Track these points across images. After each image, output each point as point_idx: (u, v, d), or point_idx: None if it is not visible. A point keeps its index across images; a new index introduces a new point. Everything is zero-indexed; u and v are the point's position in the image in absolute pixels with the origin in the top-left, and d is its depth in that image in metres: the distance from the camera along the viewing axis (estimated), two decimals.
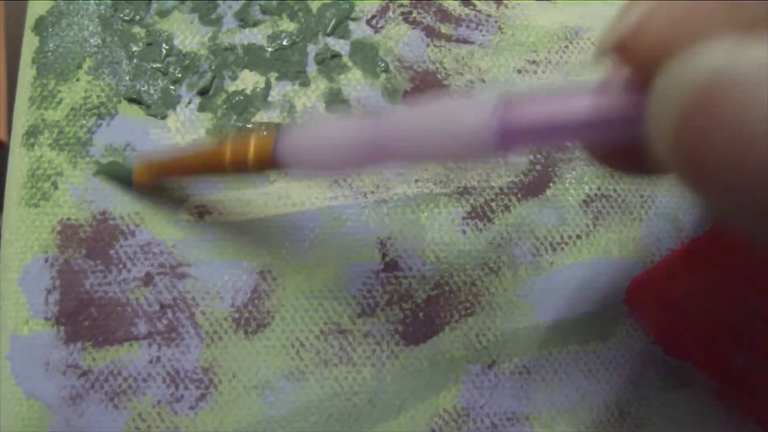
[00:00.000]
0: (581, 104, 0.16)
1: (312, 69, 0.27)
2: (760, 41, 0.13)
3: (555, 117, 0.16)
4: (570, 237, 0.27)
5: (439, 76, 0.28)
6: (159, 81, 0.26)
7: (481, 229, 0.26)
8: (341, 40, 0.27)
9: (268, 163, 0.21)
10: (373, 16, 0.28)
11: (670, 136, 0.14)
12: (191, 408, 0.24)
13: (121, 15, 0.27)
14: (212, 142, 0.24)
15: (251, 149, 0.21)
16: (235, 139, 0.22)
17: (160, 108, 0.26)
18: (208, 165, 0.23)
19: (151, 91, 0.26)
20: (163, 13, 0.27)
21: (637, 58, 0.15)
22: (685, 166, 0.14)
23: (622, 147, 0.17)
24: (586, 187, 0.27)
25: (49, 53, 0.26)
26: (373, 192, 0.26)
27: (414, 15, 0.28)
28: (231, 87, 0.27)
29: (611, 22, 0.16)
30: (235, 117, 0.26)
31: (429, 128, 0.17)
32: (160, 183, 0.25)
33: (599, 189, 0.27)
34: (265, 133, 0.22)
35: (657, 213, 0.27)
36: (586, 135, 0.16)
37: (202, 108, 0.26)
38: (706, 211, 0.27)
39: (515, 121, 0.16)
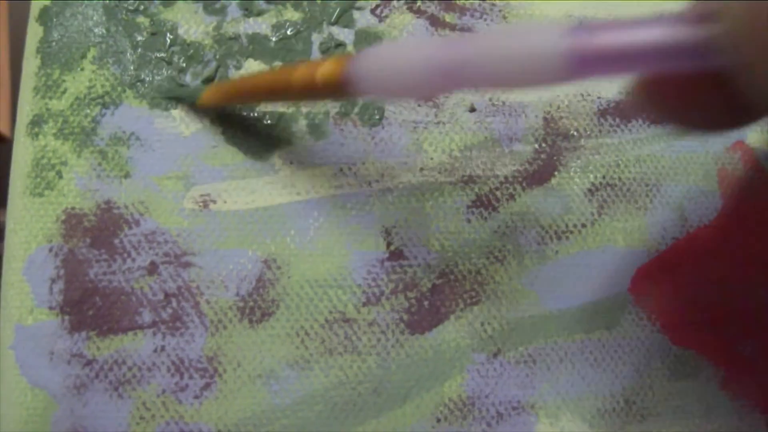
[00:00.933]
0: (657, 31, 0.15)
1: (316, 58, 0.27)
2: None
3: (629, 42, 0.15)
4: (575, 226, 0.26)
5: None
6: (163, 70, 0.26)
7: (486, 218, 0.26)
8: (345, 30, 0.27)
9: (338, 85, 0.20)
10: (378, 6, 0.27)
11: (755, 35, 0.13)
12: (196, 397, 0.24)
13: (125, 5, 0.26)
14: (280, 68, 0.23)
15: (321, 69, 0.21)
16: (306, 65, 0.21)
17: (164, 97, 0.26)
18: (277, 85, 0.22)
19: (156, 81, 0.26)
20: (167, 3, 0.27)
21: None
22: None
23: (699, 86, 0.16)
24: (591, 176, 0.27)
25: (54, 43, 0.26)
26: (378, 181, 0.26)
27: (418, 4, 0.27)
28: (235, 76, 0.26)
29: None
30: (239, 106, 0.26)
31: (503, 51, 0.17)
32: (227, 106, 0.25)
33: (604, 178, 0.27)
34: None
35: (662, 202, 0.27)
36: (661, 62, 0.15)
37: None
38: None
39: (587, 46, 0.16)
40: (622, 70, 0.16)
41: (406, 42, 0.19)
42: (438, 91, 0.19)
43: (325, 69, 0.20)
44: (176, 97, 0.26)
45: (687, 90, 0.17)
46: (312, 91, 0.21)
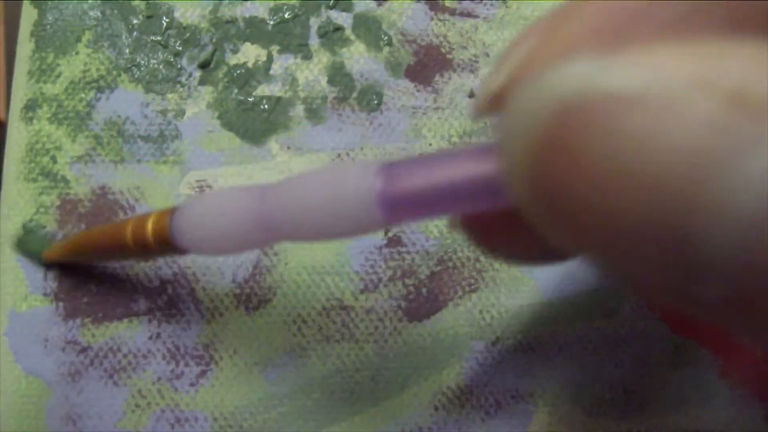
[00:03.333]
0: (462, 168, 0.13)
1: (314, 42, 0.25)
2: (632, 55, 0.10)
3: (437, 183, 0.13)
4: None
5: (443, 50, 0.26)
6: (159, 54, 0.25)
7: None
8: (344, 13, 0.26)
9: (167, 242, 0.18)
10: None
11: (524, 175, 0.11)
12: (192, 385, 0.23)
13: None
14: (113, 224, 0.21)
15: (150, 225, 0.18)
16: (136, 218, 0.19)
17: (160, 81, 0.25)
18: (113, 243, 0.20)
19: (152, 65, 0.25)
20: None
21: (501, 122, 0.12)
22: (547, 214, 0.11)
23: (512, 224, 0.14)
24: None
25: (48, 26, 0.25)
26: None
27: None
28: (232, 60, 0.25)
29: (485, 80, 0.13)
30: (236, 90, 0.25)
31: (312, 201, 0.15)
32: (72, 261, 0.23)
33: None
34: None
35: None
36: (472, 204, 0.13)
37: (202, 81, 0.25)
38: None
39: (399, 188, 0.14)
40: (438, 211, 0.14)
41: (223, 194, 0.17)
42: (257, 246, 0.17)
43: (153, 225, 0.18)
44: (26, 252, 0.24)
45: (503, 227, 0.15)
46: (145, 248, 0.19)
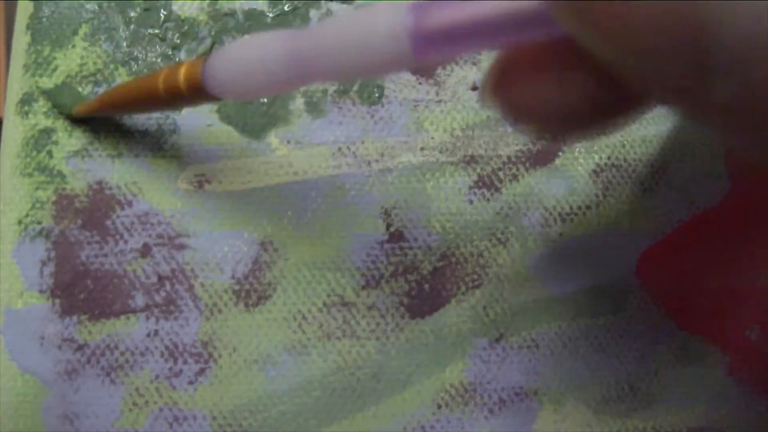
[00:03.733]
0: (493, 2, 0.13)
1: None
2: None
3: (468, 17, 0.14)
4: (579, 207, 0.25)
5: None
6: (157, 47, 0.24)
7: (488, 199, 0.24)
8: (344, 5, 0.25)
9: (199, 89, 0.19)
10: None
11: None
12: (190, 383, 0.23)
13: None
14: (146, 74, 0.21)
15: (182, 73, 0.19)
16: (168, 67, 0.20)
17: None
18: (143, 93, 0.21)
19: (149, 58, 0.24)
20: None
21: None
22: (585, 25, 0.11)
23: (560, 65, 0.14)
24: (596, 156, 0.25)
25: (44, 19, 0.24)
26: (377, 160, 0.24)
27: None
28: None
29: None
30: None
31: (345, 37, 0.15)
32: (101, 113, 0.23)
33: (609, 158, 0.25)
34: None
35: (668, 183, 0.25)
36: (503, 36, 0.14)
37: (47, 95, 0.24)
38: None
39: (430, 26, 0.14)
40: (469, 46, 0.14)
41: (254, 38, 0.17)
42: (291, 87, 0.17)
43: (185, 70, 0.19)
44: (57, 104, 0.24)
45: (546, 73, 0.15)
46: (177, 94, 0.19)
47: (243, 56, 0.17)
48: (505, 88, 0.15)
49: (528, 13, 0.13)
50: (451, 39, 0.14)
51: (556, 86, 0.14)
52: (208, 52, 0.24)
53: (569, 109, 0.14)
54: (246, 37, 0.18)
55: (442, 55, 0.15)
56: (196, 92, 0.19)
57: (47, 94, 0.24)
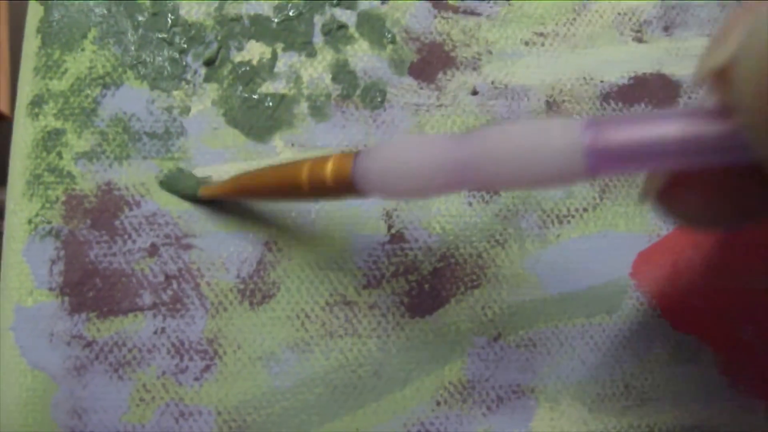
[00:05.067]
0: (674, 126, 0.14)
1: (318, 40, 0.25)
2: None
3: (646, 139, 0.14)
4: (577, 210, 0.25)
5: (446, 47, 0.26)
6: (165, 51, 0.25)
7: (487, 201, 0.25)
8: (348, 11, 0.26)
9: (347, 185, 0.19)
10: None
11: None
12: (196, 379, 0.23)
13: None
14: (287, 163, 0.21)
15: (329, 167, 0.19)
16: (313, 159, 0.20)
17: (165, 78, 0.25)
18: (285, 185, 0.21)
19: (157, 62, 0.25)
20: None
21: (735, 88, 0.13)
22: None
23: (725, 181, 0.16)
24: None
25: (54, 23, 0.25)
26: None
27: None
28: (237, 58, 0.25)
29: (708, 45, 0.15)
30: (241, 88, 0.25)
31: (517, 149, 0.16)
32: (227, 198, 0.24)
33: None
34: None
35: None
36: (680, 159, 0.14)
37: (207, 78, 0.25)
38: None
39: (605, 143, 0.15)
40: (644, 166, 0.15)
41: (411, 141, 0.18)
42: (448, 191, 0.18)
43: (333, 166, 0.19)
44: (178, 192, 0.24)
45: (712, 187, 0.16)
46: (322, 189, 0.20)
47: (400, 159, 0.17)
48: (669, 196, 0.17)
49: (715, 138, 0.14)
50: (627, 158, 0.15)
51: (719, 198, 0.16)
52: (214, 57, 0.25)
53: (728, 215, 0.16)
54: (400, 138, 0.18)
55: (614, 172, 0.15)
56: (344, 189, 0.19)
57: (164, 185, 0.24)
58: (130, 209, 0.24)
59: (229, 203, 0.24)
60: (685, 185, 0.17)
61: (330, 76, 0.25)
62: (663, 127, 0.14)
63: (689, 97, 0.26)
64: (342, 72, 0.25)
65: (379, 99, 0.25)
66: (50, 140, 0.24)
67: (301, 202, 0.24)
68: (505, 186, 0.16)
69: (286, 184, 0.21)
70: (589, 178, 0.15)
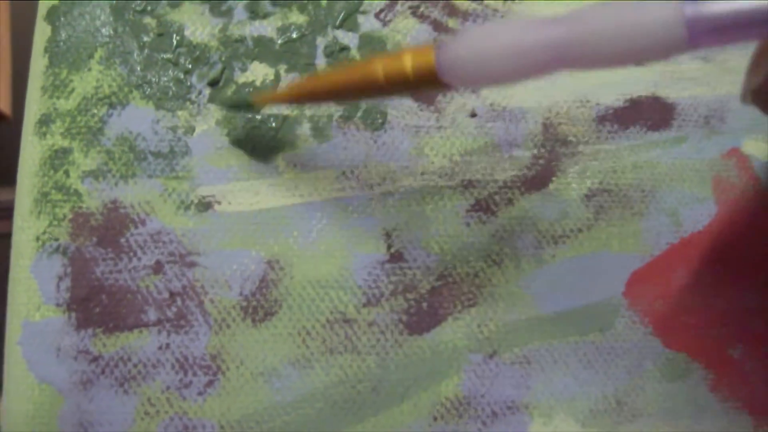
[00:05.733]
0: None
1: (321, 61, 0.26)
2: None
3: (745, 6, 0.15)
4: (572, 230, 0.26)
5: None
6: (170, 71, 0.25)
7: (484, 222, 0.25)
8: (350, 33, 0.26)
9: (431, 76, 0.19)
10: (382, 10, 0.27)
11: None
12: (199, 394, 0.24)
13: (133, 5, 0.26)
14: (355, 62, 0.21)
15: (408, 62, 0.19)
16: (386, 55, 0.20)
17: (170, 98, 0.25)
18: (358, 81, 0.20)
19: (162, 82, 0.25)
20: (174, 4, 0.26)
21: None
22: None
23: None
24: (588, 181, 0.26)
25: (62, 43, 0.25)
26: (379, 184, 0.25)
27: (422, 9, 0.27)
28: (241, 78, 0.26)
29: (747, 69, 0.15)
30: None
31: (615, 25, 0.16)
32: (291, 101, 0.24)
33: (601, 183, 0.26)
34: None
35: (657, 208, 0.26)
36: None
37: (212, 99, 0.25)
38: None
39: (705, 13, 0.15)
40: (743, 35, 0.15)
41: (504, 24, 0.17)
42: (545, 72, 0.17)
43: (413, 58, 0.19)
44: (236, 105, 0.25)
45: None
46: (402, 83, 0.19)
47: (495, 42, 0.17)
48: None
49: None
50: (727, 27, 0.15)
51: None
52: (218, 78, 0.25)
53: None
54: (488, 24, 0.17)
55: (713, 43, 0.16)
56: (428, 80, 0.19)
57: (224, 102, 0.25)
58: (136, 227, 0.24)
59: (233, 221, 0.24)
60: None
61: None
62: None
63: (683, 120, 0.27)
64: None
65: (380, 120, 0.26)
66: (57, 159, 0.24)
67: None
68: (606, 62, 0.16)
69: (361, 82, 0.20)
70: (690, 49, 0.16)
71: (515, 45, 0.17)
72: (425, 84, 0.19)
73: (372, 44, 0.26)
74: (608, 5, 0.16)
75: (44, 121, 0.25)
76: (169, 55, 0.25)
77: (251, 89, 0.25)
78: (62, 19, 0.26)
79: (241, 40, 0.26)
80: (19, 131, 0.25)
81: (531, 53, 0.17)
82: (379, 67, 0.20)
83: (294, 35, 0.26)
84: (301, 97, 0.23)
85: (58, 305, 0.24)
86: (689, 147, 0.27)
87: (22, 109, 0.25)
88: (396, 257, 0.25)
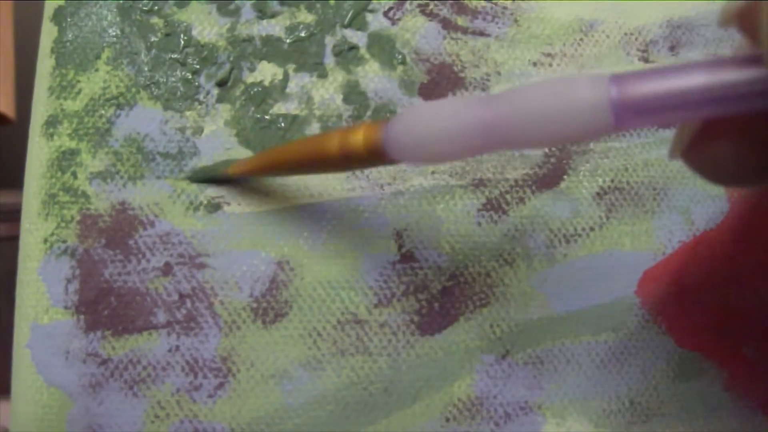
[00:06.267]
0: (699, 77, 0.14)
1: (330, 61, 0.26)
2: None
3: (673, 89, 0.15)
4: (583, 229, 0.26)
5: (455, 68, 0.26)
6: (177, 72, 0.25)
7: (496, 221, 0.25)
8: (358, 32, 0.26)
9: (378, 152, 0.19)
10: (390, 8, 0.26)
11: None
12: (210, 396, 0.23)
13: (140, 5, 0.25)
14: (315, 135, 0.21)
15: (360, 136, 0.19)
16: (342, 129, 0.20)
17: (178, 99, 0.25)
18: (315, 156, 0.21)
19: (170, 82, 0.25)
20: (181, 4, 0.26)
21: (761, 30, 0.14)
22: None
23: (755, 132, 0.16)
24: (600, 179, 0.26)
25: (68, 43, 0.25)
26: (389, 184, 0.25)
27: (431, 7, 0.27)
28: (249, 78, 0.25)
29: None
30: (253, 108, 0.25)
31: (540, 109, 0.16)
32: (258, 175, 0.24)
33: (612, 181, 0.26)
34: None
35: (669, 206, 0.26)
36: (705, 109, 0.15)
37: (220, 99, 0.25)
38: None
39: (631, 97, 0.15)
40: (670, 117, 0.15)
41: (440, 105, 0.18)
42: (479, 153, 0.18)
43: (365, 135, 0.19)
44: (208, 179, 0.25)
45: (739, 139, 0.16)
46: (352, 159, 0.20)
47: (429, 124, 0.18)
48: (697, 151, 0.17)
49: (741, 84, 0.14)
50: (653, 109, 0.15)
51: (746, 150, 0.16)
52: (227, 78, 0.25)
53: (756, 168, 0.16)
54: (427, 103, 0.18)
55: (641, 124, 0.16)
56: (375, 157, 0.19)
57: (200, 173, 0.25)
58: (144, 229, 0.24)
59: (242, 221, 0.24)
60: (712, 138, 0.17)
61: (341, 96, 0.26)
62: (689, 77, 0.15)
63: None
64: (353, 93, 0.26)
65: None
66: (65, 160, 0.24)
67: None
68: (533, 144, 0.17)
69: (317, 155, 0.21)
70: (616, 131, 0.16)
71: (448, 128, 0.17)
72: (377, 160, 0.19)
73: (381, 43, 0.26)
74: (534, 88, 0.16)
75: (51, 123, 0.24)
76: (176, 56, 0.25)
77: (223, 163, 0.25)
78: (69, 19, 0.25)
79: (249, 39, 0.26)
80: (23, 133, 0.25)
81: (463, 136, 0.17)
82: (335, 142, 0.20)
83: (302, 34, 0.26)
84: (265, 168, 0.23)
85: (66, 308, 0.24)
86: None
87: (25, 111, 0.25)
88: (407, 257, 0.25)
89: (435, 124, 0.17)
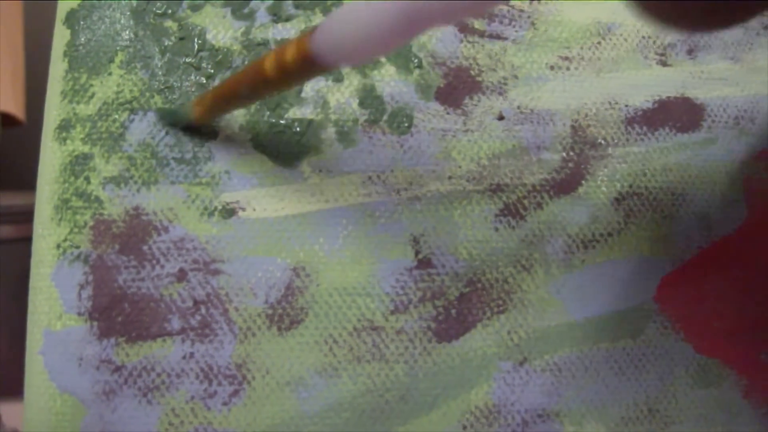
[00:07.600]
0: None
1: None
2: None
3: None
4: (602, 235, 0.25)
5: (472, 72, 0.26)
6: (192, 76, 0.25)
7: (513, 227, 0.25)
8: None
9: (309, 62, 0.19)
10: None
11: None
12: (224, 404, 0.23)
13: (154, 9, 0.25)
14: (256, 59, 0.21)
15: (290, 51, 0.19)
16: (276, 48, 0.20)
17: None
18: (253, 79, 0.21)
19: (184, 87, 0.25)
20: (195, 7, 0.25)
21: None
22: None
23: None
24: (618, 185, 0.26)
25: (81, 47, 0.25)
26: (406, 189, 0.25)
27: None
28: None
29: None
30: (268, 113, 0.25)
31: None
32: (220, 116, 0.24)
33: (631, 187, 0.26)
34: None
35: (688, 211, 0.26)
36: None
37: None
38: None
39: None
40: None
41: (360, 4, 0.18)
42: (405, 40, 0.17)
43: (293, 48, 0.19)
44: (174, 122, 0.24)
45: None
46: (286, 74, 0.20)
47: (352, 19, 0.17)
48: None
49: None
50: None
51: None
52: None
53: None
54: (348, 5, 0.18)
55: None
56: (307, 67, 0.19)
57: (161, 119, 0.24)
58: (158, 234, 0.24)
59: (257, 227, 0.24)
60: None
61: (357, 101, 0.25)
62: None
63: (713, 121, 0.26)
64: (369, 97, 0.25)
65: (406, 124, 0.25)
66: (78, 165, 0.24)
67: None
68: (449, 17, 0.16)
69: (258, 75, 0.20)
70: None
71: (371, 19, 0.17)
72: (309, 71, 0.19)
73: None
74: None
75: (64, 127, 0.24)
76: (191, 59, 0.25)
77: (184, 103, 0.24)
78: (81, 22, 0.25)
79: (264, 43, 0.25)
80: (33, 135, 0.25)
81: (385, 25, 0.17)
82: (272, 59, 0.20)
83: None
84: (219, 99, 0.23)
85: (79, 314, 0.23)
86: (719, 149, 0.26)
87: (36, 113, 0.25)
88: (424, 263, 0.24)
89: (357, 18, 0.17)
